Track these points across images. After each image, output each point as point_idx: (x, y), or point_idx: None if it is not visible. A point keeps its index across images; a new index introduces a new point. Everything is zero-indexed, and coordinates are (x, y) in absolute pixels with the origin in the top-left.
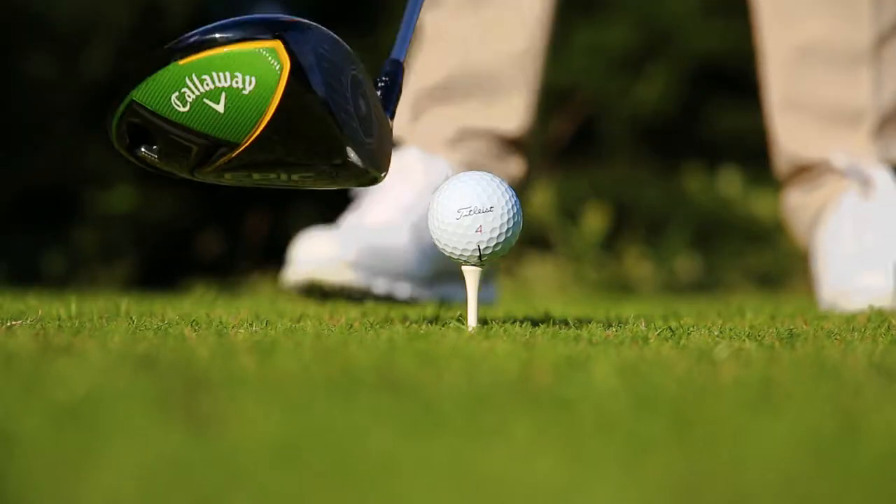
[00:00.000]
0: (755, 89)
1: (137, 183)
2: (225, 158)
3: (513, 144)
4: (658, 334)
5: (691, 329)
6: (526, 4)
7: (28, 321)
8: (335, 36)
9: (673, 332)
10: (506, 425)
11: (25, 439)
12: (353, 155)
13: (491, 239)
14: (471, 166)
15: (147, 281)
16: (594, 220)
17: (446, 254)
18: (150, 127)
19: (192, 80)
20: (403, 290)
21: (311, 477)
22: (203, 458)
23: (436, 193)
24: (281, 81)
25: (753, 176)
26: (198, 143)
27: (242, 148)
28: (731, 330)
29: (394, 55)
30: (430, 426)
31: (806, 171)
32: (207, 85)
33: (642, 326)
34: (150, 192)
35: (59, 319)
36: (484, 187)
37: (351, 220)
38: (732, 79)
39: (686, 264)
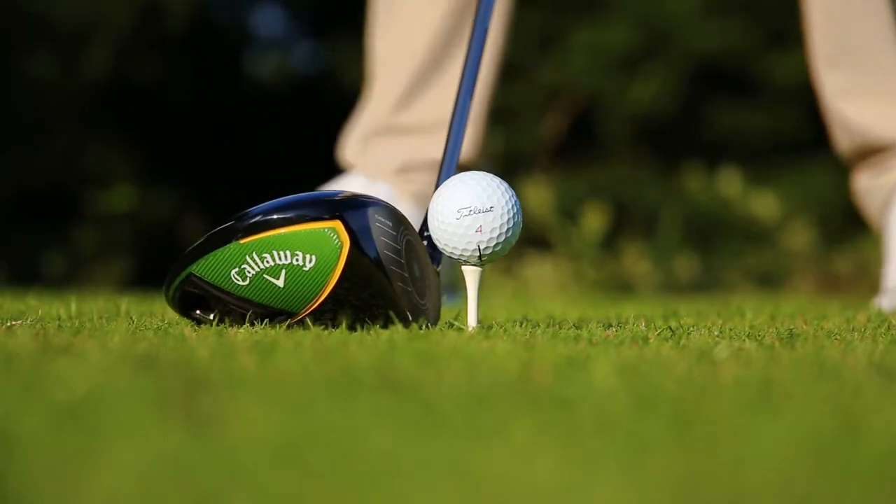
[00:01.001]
0: (755, 89)
1: (137, 183)
2: (284, 322)
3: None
4: (658, 334)
5: (691, 329)
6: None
7: (28, 321)
8: (388, 205)
9: (673, 332)
10: (506, 425)
11: (25, 439)
12: (409, 318)
13: (491, 239)
14: (417, 195)
15: (147, 280)
16: (594, 220)
17: (446, 253)
18: (208, 296)
19: (252, 258)
20: None
21: (311, 477)
22: (203, 458)
23: (436, 194)
24: (341, 258)
25: (753, 176)
26: (257, 312)
27: (300, 316)
28: (731, 330)
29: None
30: (430, 426)
31: (874, 154)
32: (268, 262)
33: (642, 326)
34: (150, 192)
35: (59, 319)
36: (484, 187)
37: None
38: (732, 79)
39: (686, 264)
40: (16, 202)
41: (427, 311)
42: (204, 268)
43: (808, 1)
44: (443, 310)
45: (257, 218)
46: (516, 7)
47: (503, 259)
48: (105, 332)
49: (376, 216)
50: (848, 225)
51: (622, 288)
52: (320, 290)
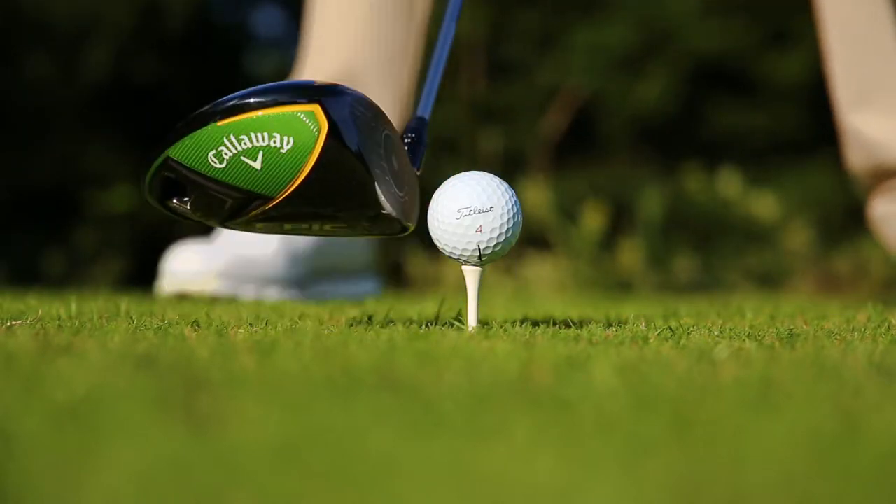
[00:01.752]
0: (755, 89)
1: (137, 183)
2: (258, 210)
3: None
4: (658, 334)
5: (691, 329)
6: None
7: (28, 321)
8: (368, 98)
9: (673, 332)
10: (506, 425)
11: (25, 439)
12: (388, 208)
13: (491, 239)
14: None
15: (147, 280)
16: (593, 220)
17: (446, 253)
18: (185, 181)
19: (229, 140)
20: (272, 294)
21: (311, 477)
22: (203, 458)
23: (436, 193)
24: (318, 142)
25: (753, 176)
26: (233, 196)
27: (277, 201)
28: (731, 330)
29: (419, 112)
30: (430, 426)
31: (893, 176)
32: (245, 144)
33: (642, 326)
34: None
35: (59, 319)
36: (484, 187)
37: (223, 233)
38: (732, 78)
39: (686, 264)
40: (16, 202)
41: (405, 203)
42: (181, 151)
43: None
44: (442, 310)
45: (235, 101)
46: None
47: (503, 259)
48: (105, 332)
49: (356, 105)
50: (848, 225)
51: (622, 288)
52: (297, 173)
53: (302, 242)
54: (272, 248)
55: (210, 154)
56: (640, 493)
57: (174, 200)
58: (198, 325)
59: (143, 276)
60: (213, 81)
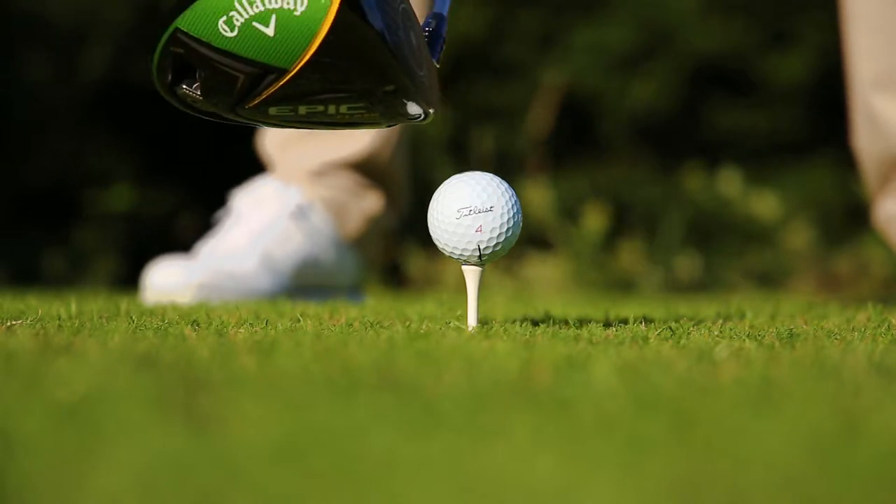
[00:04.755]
0: (755, 89)
1: (137, 182)
2: (272, 88)
3: (370, 177)
4: (658, 334)
5: (691, 329)
6: None
7: (28, 321)
8: None
9: (673, 332)
10: (506, 425)
11: (25, 439)
12: (407, 81)
13: (491, 239)
14: (330, 202)
15: None
16: (594, 220)
17: (446, 253)
18: (195, 57)
19: (241, 3)
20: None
21: (311, 477)
22: (203, 458)
23: (436, 193)
24: (333, 4)
25: (753, 176)
26: (245, 71)
27: (292, 74)
28: (731, 330)
29: (436, 9)
30: (430, 426)
31: None
32: (257, 7)
33: (642, 326)
34: (150, 192)
35: (59, 319)
36: (484, 187)
37: (204, 248)
38: (732, 78)
39: (686, 264)
40: (16, 202)
41: (424, 84)
42: (191, 20)
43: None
44: (441, 310)
45: None
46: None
47: (503, 259)
48: (105, 331)
49: None
50: (848, 225)
51: (622, 288)
52: (312, 37)
53: (283, 257)
54: (253, 262)
55: (221, 21)
56: (640, 493)
57: (183, 86)
58: (198, 325)
59: (142, 276)
60: None
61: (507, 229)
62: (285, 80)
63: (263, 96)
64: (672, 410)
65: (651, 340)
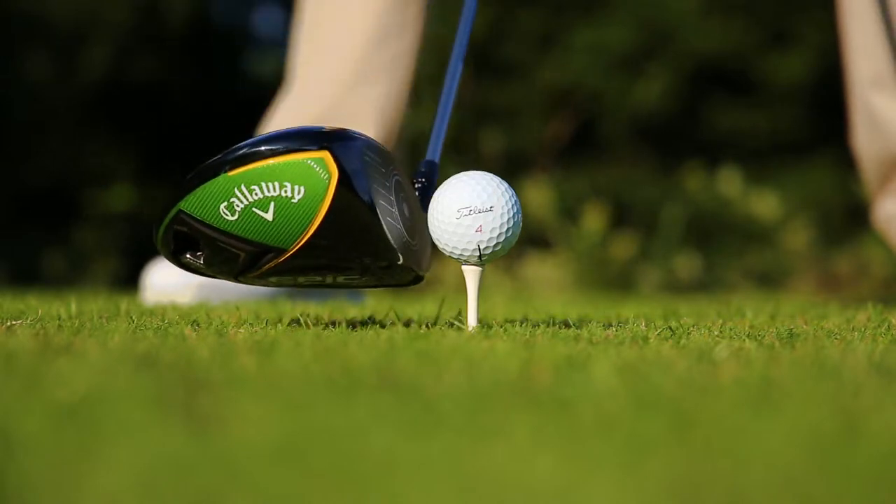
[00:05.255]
0: (755, 89)
1: (136, 182)
2: (272, 264)
3: None
4: (658, 334)
5: (691, 329)
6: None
7: (28, 321)
8: (377, 142)
9: (673, 332)
10: (506, 425)
11: (25, 439)
12: (400, 258)
13: (491, 238)
14: None
15: None
16: (594, 220)
17: (446, 253)
18: (198, 235)
19: (240, 190)
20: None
21: (311, 477)
22: (203, 458)
23: (436, 193)
24: (329, 190)
25: (753, 176)
26: (245, 250)
27: (290, 253)
28: (731, 330)
29: (429, 156)
30: (430, 426)
31: None
32: (256, 194)
33: (642, 326)
34: (149, 192)
35: (59, 319)
36: (484, 187)
37: None
38: (732, 79)
39: (686, 264)
40: (16, 202)
41: (417, 252)
42: (193, 204)
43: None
44: (441, 309)
45: (245, 150)
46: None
47: (503, 259)
48: (105, 331)
49: (366, 150)
50: (848, 225)
51: (622, 288)
52: (309, 222)
53: None
54: None
55: (222, 206)
56: (640, 493)
57: (187, 255)
58: (198, 325)
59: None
60: (212, 81)
61: (507, 229)
62: (284, 258)
63: (263, 270)
64: (672, 410)
65: (651, 340)
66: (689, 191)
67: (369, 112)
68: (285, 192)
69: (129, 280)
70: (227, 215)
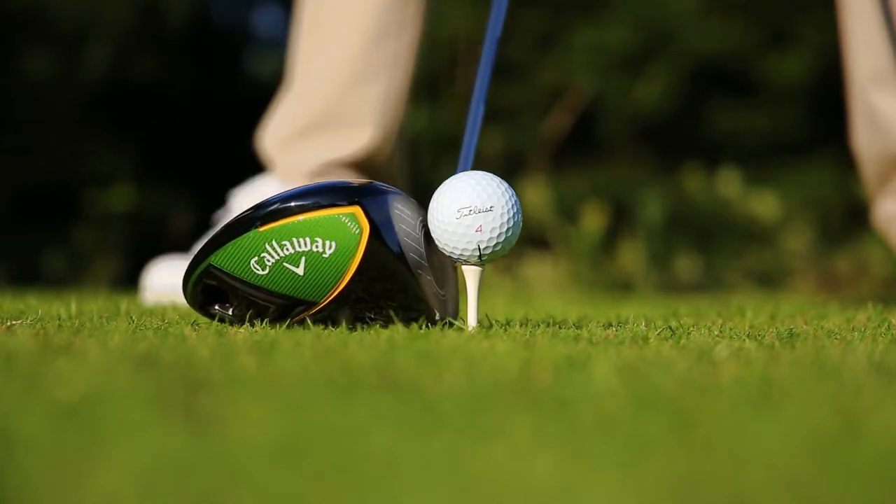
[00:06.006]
0: (755, 89)
1: (136, 182)
2: (302, 315)
3: (369, 177)
4: (658, 334)
5: (691, 329)
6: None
7: (28, 321)
8: (404, 194)
9: (673, 332)
10: (506, 425)
11: (25, 439)
12: (433, 312)
13: (491, 238)
14: None
15: None
16: (593, 220)
17: (446, 253)
18: (227, 288)
19: (271, 246)
20: None
21: (311, 477)
22: (203, 458)
23: (436, 193)
24: (361, 244)
25: (753, 176)
26: (276, 303)
27: (321, 306)
28: (731, 330)
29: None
30: (430, 426)
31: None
32: (287, 250)
33: (642, 326)
34: (149, 192)
35: (59, 319)
36: (484, 187)
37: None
38: (732, 79)
39: (686, 264)
40: (16, 202)
41: (447, 302)
42: (223, 258)
43: (848, 21)
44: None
45: (276, 205)
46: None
47: (503, 259)
48: (105, 331)
49: (395, 203)
50: (848, 225)
51: (622, 288)
52: (340, 277)
53: None
54: None
55: (252, 261)
56: (640, 493)
57: (216, 307)
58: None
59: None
60: (212, 82)
61: (507, 229)
62: (315, 310)
63: (294, 321)
64: (672, 410)
65: (651, 340)
66: (688, 191)
67: (369, 111)
68: (316, 247)
69: (129, 280)
70: (257, 270)
